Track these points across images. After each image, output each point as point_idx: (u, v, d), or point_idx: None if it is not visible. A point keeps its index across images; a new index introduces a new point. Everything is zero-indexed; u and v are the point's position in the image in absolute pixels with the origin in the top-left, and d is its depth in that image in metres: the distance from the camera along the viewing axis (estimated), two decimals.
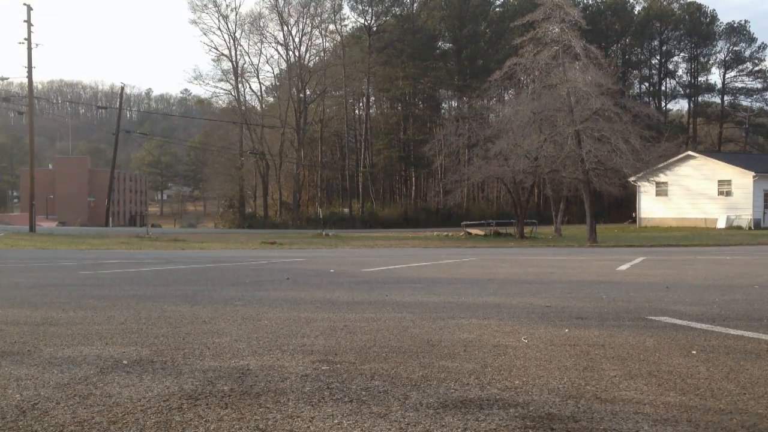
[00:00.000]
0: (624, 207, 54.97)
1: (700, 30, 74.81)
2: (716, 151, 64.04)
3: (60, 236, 30.38)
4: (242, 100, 66.16)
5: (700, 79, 78.04)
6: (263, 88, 71.52)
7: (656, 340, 3.04)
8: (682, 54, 78.30)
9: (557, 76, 28.30)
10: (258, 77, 68.97)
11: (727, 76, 76.79)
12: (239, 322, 3.68)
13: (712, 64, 77.71)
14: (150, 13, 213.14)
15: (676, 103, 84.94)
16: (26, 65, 34.46)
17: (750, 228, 39.55)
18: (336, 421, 1.70)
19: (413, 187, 73.24)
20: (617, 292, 5.63)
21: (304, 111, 64.11)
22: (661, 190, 46.05)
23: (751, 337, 3.17)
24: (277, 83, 70.36)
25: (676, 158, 44.20)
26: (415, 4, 72.14)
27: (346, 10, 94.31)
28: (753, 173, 41.60)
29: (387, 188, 74.96)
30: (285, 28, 64.31)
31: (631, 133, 26.90)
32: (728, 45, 76.06)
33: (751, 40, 74.92)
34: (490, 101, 60.33)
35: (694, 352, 2.74)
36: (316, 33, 66.47)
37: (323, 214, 53.45)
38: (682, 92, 79.08)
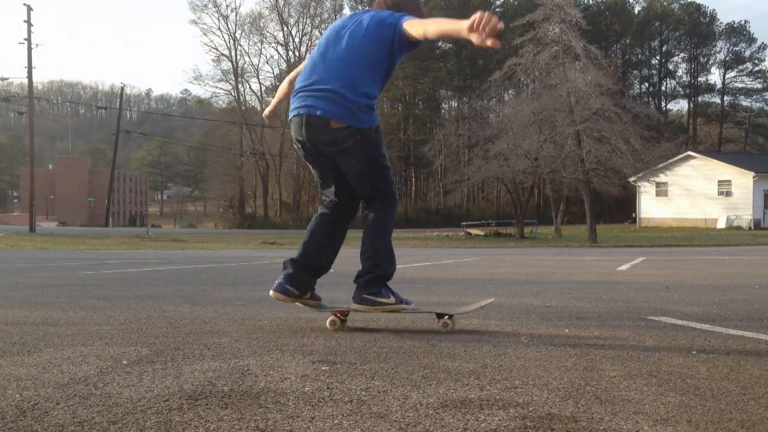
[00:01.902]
0: (624, 207, 55.00)
1: (700, 30, 74.84)
2: (716, 151, 64.09)
3: (60, 236, 30.41)
4: (242, 100, 66.24)
5: (700, 79, 78.17)
6: (263, 88, 71.63)
7: (656, 340, 3.04)
8: (682, 54, 78.41)
9: (557, 76, 28.33)
10: (258, 77, 69.17)
11: (727, 76, 76.90)
12: (239, 322, 3.69)
13: (712, 65, 77.83)
14: (150, 14, 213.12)
15: (676, 103, 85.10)
16: (26, 65, 34.51)
17: (750, 228, 39.55)
18: (336, 422, 1.70)
19: (413, 188, 73.26)
20: (617, 293, 5.63)
21: None
22: (661, 191, 46.04)
23: (751, 337, 3.17)
24: (277, 83, 70.40)
25: (676, 158, 44.20)
26: None
27: (346, 10, 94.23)
28: (753, 173, 41.61)
29: None
30: (285, 28, 64.41)
31: (631, 133, 26.93)
32: (728, 45, 76.17)
33: (751, 40, 74.99)
34: (490, 101, 60.34)
35: (694, 352, 2.75)
36: (316, 33, 66.53)
37: None
38: (682, 92, 79.16)
